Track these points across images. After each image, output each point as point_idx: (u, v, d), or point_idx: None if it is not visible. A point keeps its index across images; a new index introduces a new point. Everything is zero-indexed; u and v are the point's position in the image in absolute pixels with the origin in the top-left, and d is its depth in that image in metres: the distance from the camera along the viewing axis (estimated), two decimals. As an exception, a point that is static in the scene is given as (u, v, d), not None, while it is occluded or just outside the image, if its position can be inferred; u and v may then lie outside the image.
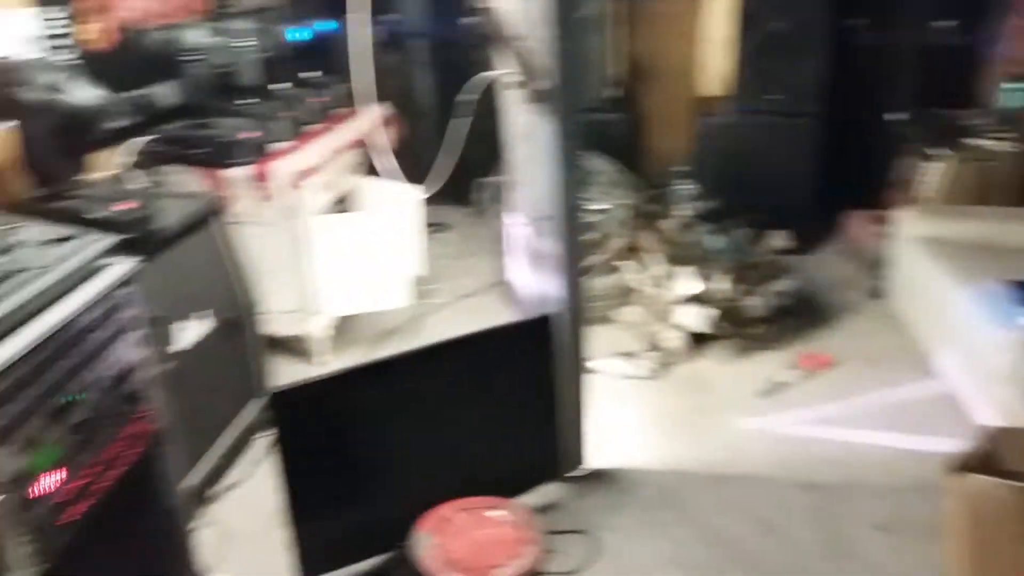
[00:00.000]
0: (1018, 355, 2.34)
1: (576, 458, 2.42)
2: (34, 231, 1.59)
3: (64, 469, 1.43)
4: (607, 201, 3.51)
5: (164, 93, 2.91)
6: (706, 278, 3.11)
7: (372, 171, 3.67)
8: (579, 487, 2.40)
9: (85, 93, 2.20)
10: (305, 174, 2.95)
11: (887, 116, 3.87)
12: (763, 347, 3.10)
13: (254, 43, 3.06)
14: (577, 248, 2.24)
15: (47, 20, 2.33)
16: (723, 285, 3.11)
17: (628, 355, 3.03)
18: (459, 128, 2.48)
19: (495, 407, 2.14)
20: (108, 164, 2.53)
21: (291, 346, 3.10)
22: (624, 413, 2.77)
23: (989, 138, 3.38)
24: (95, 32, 2.71)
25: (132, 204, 2.09)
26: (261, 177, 2.71)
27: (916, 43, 3.90)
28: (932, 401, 2.79)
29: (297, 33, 3.39)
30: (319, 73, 3.47)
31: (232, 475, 2.47)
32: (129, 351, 1.62)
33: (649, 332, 3.12)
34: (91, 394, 1.50)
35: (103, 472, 1.54)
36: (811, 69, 3.72)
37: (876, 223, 3.63)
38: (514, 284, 3.04)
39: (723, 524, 2.25)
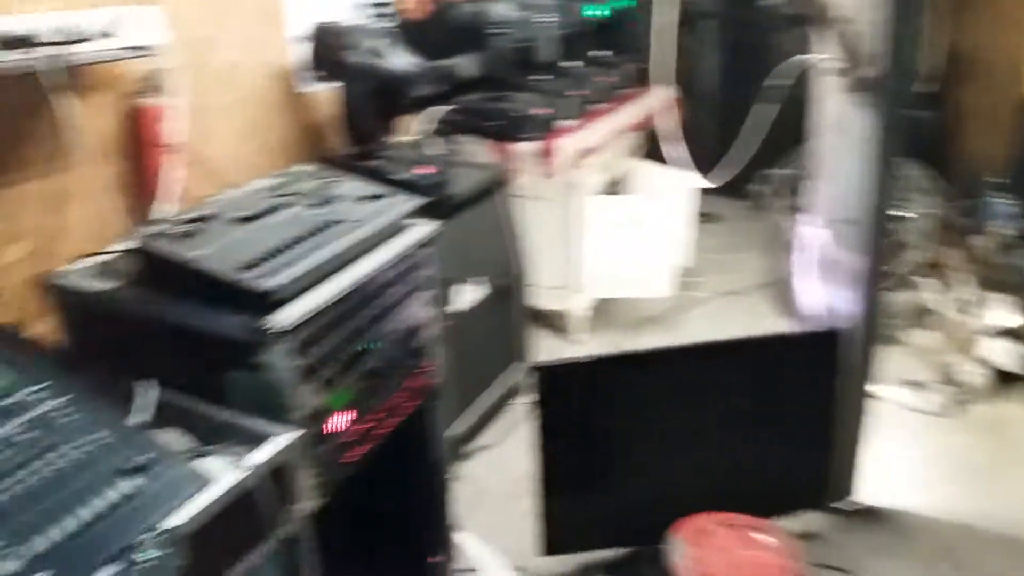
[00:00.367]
0: None
1: (845, 489, 2.20)
2: (350, 186, 1.69)
3: (353, 412, 1.53)
4: (910, 209, 3.14)
5: (466, 64, 3.03)
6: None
7: (649, 155, 3.60)
8: (845, 521, 2.17)
9: (401, 60, 2.33)
10: (586, 153, 2.94)
11: None
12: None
13: (555, 19, 3.08)
14: (881, 260, 2.01)
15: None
16: (1045, 321, 2.67)
17: (917, 385, 2.70)
18: (763, 115, 2.32)
19: (766, 419, 1.99)
20: (410, 129, 2.69)
21: (550, 321, 3.14)
22: (906, 449, 2.47)
23: None
24: (412, 1, 2.88)
25: (432, 169, 2.19)
26: (546, 153, 2.74)
27: None
28: None
29: (595, 10, 3.37)
30: (609, 52, 3.44)
31: (486, 436, 2.55)
32: (419, 308, 1.69)
33: (945, 362, 2.75)
34: (384, 345, 1.58)
35: (384, 419, 1.62)
36: None
37: None
38: (794, 289, 2.82)
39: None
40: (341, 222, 1.53)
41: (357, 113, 2.29)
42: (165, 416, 1.23)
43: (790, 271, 2.60)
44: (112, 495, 1.02)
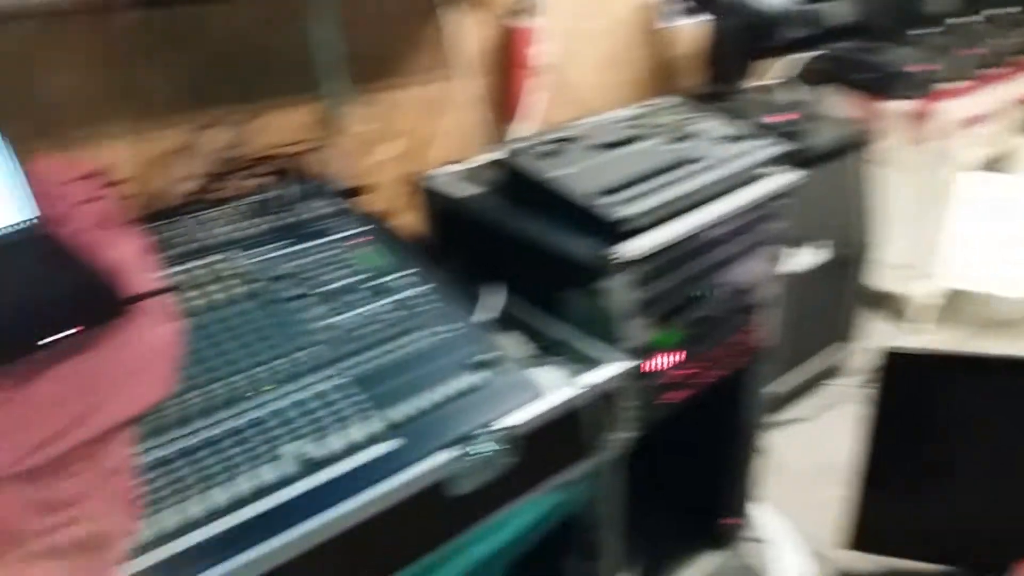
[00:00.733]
0: None
1: None
2: (710, 124, 1.62)
3: (679, 354, 1.49)
4: None
5: (837, 10, 2.76)
6: None
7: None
8: None
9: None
10: (969, 122, 2.55)
11: None
12: None
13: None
14: None
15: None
16: None
17: None
18: None
19: None
20: (770, 73, 2.52)
21: (888, 303, 2.83)
22: None
23: None
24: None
25: (792, 116, 2.03)
26: (920, 116, 2.42)
27: None
28: None
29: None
30: (1018, 8, 2.93)
31: (794, 410, 2.39)
32: (760, 263, 1.59)
33: None
34: (718, 294, 1.51)
35: (706, 370, 1.57)
36: None
37: None
38: None
39: None
40: (698, 160, 1.47)
41: (722, 51, 2.19)
42: (507, 320, 1.29)
43: None
44: (457, 385, 1.09)
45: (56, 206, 1.17)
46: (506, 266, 1.35)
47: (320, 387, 1.04)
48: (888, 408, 1.66)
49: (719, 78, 2.21)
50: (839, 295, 2.44)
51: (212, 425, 0.97)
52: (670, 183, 1.40)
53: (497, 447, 1.02)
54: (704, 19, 2.25)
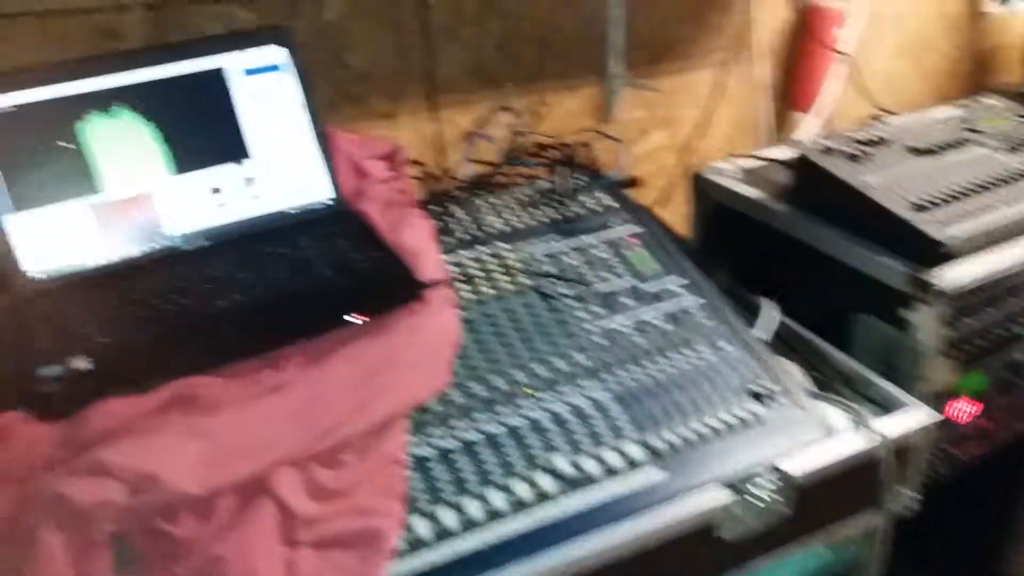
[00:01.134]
0: None
1: None
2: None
3: (981, 404, 1.27)
4: None
5: None
6: None
7: None
8: None
9: None
10: None
11: None
12: None
13: None
14: None
15: None
16: None
17: None
18: None
19: None
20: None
21: None
22: None
23: None
24: None
25: None
26: None
27: None
28: None
29: None
30: None
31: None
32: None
33: None
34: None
35: (1012, 422, 1.34)
36: None
37: None
38: None
39: None
40: (1039, 176, 1.23)
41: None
42: (780, 343, 1.16)
43: None
44: (731, 414, 0.99)
45: (355, 183, 1.21)
46: (786, 280, 1.22)
47: (577, 400, 0.98)
48: None
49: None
50: None
51: (469, 428, 0.93)
52: (1002, 201, 1.19)
53: (775, 494, 0.91)
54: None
